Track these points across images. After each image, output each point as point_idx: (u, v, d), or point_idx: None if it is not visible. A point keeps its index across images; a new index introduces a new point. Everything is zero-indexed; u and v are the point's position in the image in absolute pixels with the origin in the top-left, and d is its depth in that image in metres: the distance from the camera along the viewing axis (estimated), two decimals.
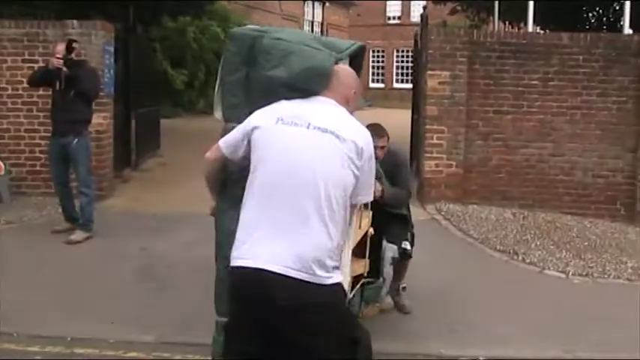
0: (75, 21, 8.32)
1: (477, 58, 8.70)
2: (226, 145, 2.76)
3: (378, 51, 41.47)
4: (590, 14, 12.58)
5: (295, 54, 2.83)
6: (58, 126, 6.73)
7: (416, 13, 40.96)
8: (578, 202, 8.83)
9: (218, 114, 3.21)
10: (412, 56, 12.71)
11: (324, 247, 2.49)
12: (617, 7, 11.83)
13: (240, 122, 2.76)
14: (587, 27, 12.56)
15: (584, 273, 6.45)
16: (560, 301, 5.67)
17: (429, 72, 8.72)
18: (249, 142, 2.66)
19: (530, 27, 9.70)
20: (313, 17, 32.86)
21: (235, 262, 2.52)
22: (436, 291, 5.58)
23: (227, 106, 3.18)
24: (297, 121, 2.59)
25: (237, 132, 2.73)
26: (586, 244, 7.52)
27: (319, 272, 2.46)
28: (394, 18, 41.51)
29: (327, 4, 33.86)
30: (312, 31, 32.63)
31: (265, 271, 2.42)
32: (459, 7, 14.72)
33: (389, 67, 41.50)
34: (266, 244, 2.46)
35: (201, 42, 19.42)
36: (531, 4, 9.49)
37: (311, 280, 2.44)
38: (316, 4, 32.89)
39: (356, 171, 2.59)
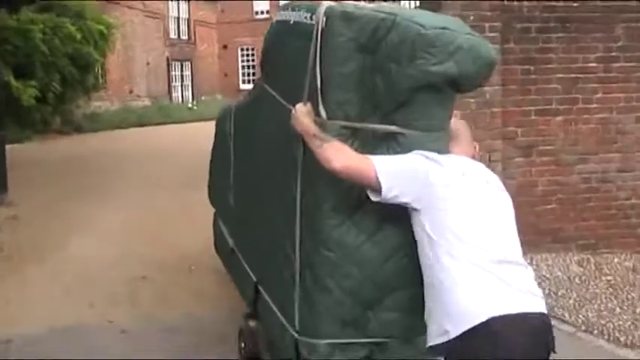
0: None
1: (510, 34, 5.75)
2: (388, 185, 2.30)
3: (247, 49, 38.41)
4: None
5: (464, 46, 2.36)
6: None
7: None
8: None
9: (323, 113, 2.49)
10: None
11: None
12: None
13: (348, 120, 2.48)
14: None
15: None
16: None
17: None
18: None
19: None
20: (179, 14, 29.28)
21: (499, 311, 2.14)
22: None
23: (334, 102, 2.51)
24: (478, 177, 2.44)
25: (408, 180, 2.32)
26: None
27: None
28: (262, 12, 38.54)
29: None
30: (179, 28, 29.09)
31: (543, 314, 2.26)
32: None
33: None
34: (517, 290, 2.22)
35: (52, 44, 15.64)
36: None
37: None
38: None
39: None
